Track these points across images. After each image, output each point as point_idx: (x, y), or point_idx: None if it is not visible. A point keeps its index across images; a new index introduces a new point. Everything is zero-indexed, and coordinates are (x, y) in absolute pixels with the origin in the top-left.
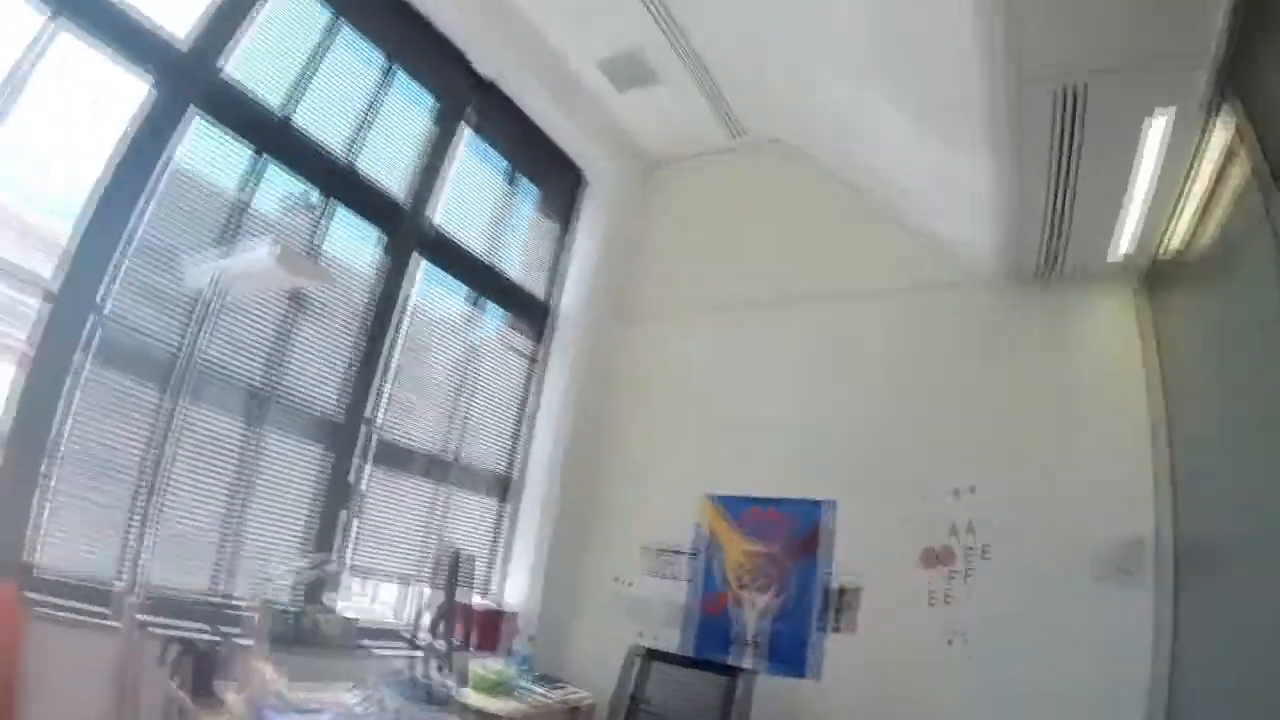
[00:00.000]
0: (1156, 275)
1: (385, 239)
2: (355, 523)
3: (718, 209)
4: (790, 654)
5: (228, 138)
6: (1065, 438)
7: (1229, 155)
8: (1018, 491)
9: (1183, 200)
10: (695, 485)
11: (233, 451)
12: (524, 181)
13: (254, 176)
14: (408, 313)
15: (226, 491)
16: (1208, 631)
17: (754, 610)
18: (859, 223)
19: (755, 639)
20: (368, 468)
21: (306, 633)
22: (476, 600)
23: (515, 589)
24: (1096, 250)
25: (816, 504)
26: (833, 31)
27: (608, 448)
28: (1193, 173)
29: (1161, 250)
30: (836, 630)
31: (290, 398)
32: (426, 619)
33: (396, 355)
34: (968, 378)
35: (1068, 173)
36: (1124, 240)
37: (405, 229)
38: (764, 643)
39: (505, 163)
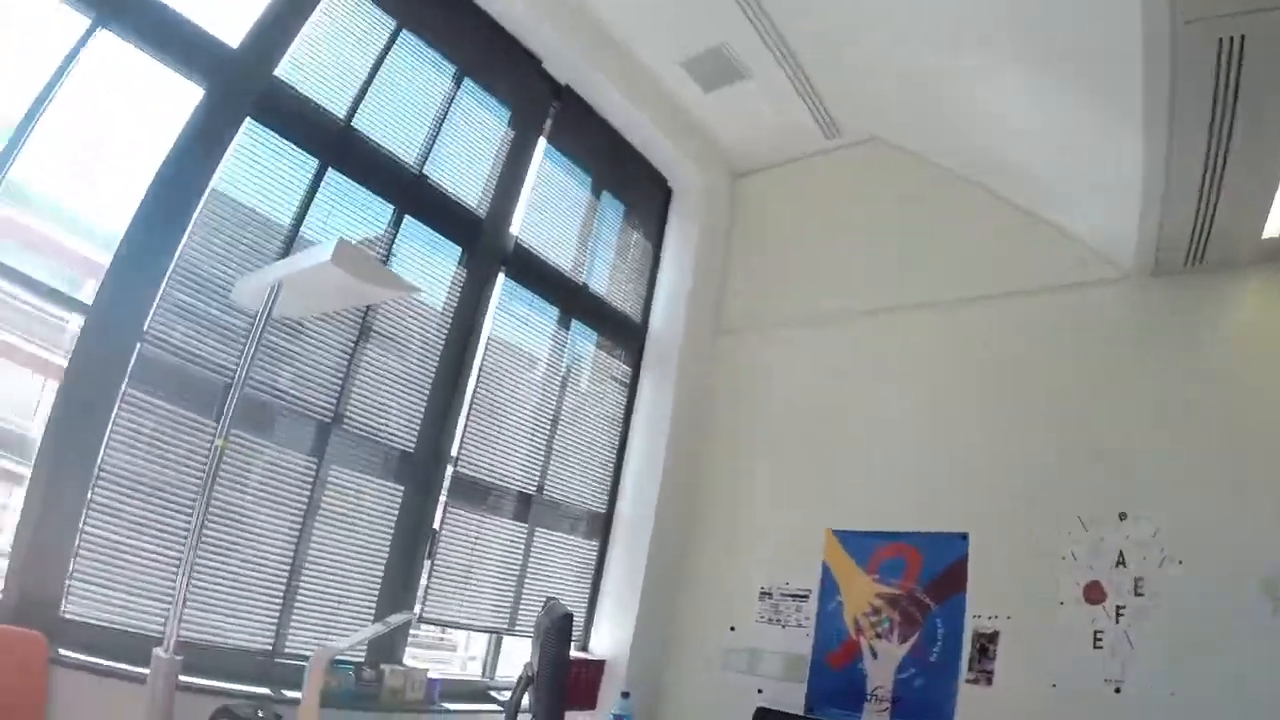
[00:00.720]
0: None
1: (462, 254)
2: (430, 565)
3: (815, 215)
4: (930, 711)
5: (287, 145)
6: (1233, 449)
7: None
8: (1184, 514)
9: None
10: (811, 519)
11: (295, 488)
12: (607, 194)
13: (315, 187)
14: (488, 334)
15: (288, 533)
16: None
17: (887, 661)
18: (973, 221)
19: (890, 694)
20: (443, 504)
21: (376, 692)
22: (573, 652)
23: (608, 638)
24: (1251, 229)
25: (956, 537)
26: None
27: (709, 478)
28: None
29: None
30: (972, 681)
31: (360, 428)
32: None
33: (476, 381)
34: (1113, 387)
35: (1227, 137)
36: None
37: (483, 244)
38: (899, 698)
39: (587, 175)
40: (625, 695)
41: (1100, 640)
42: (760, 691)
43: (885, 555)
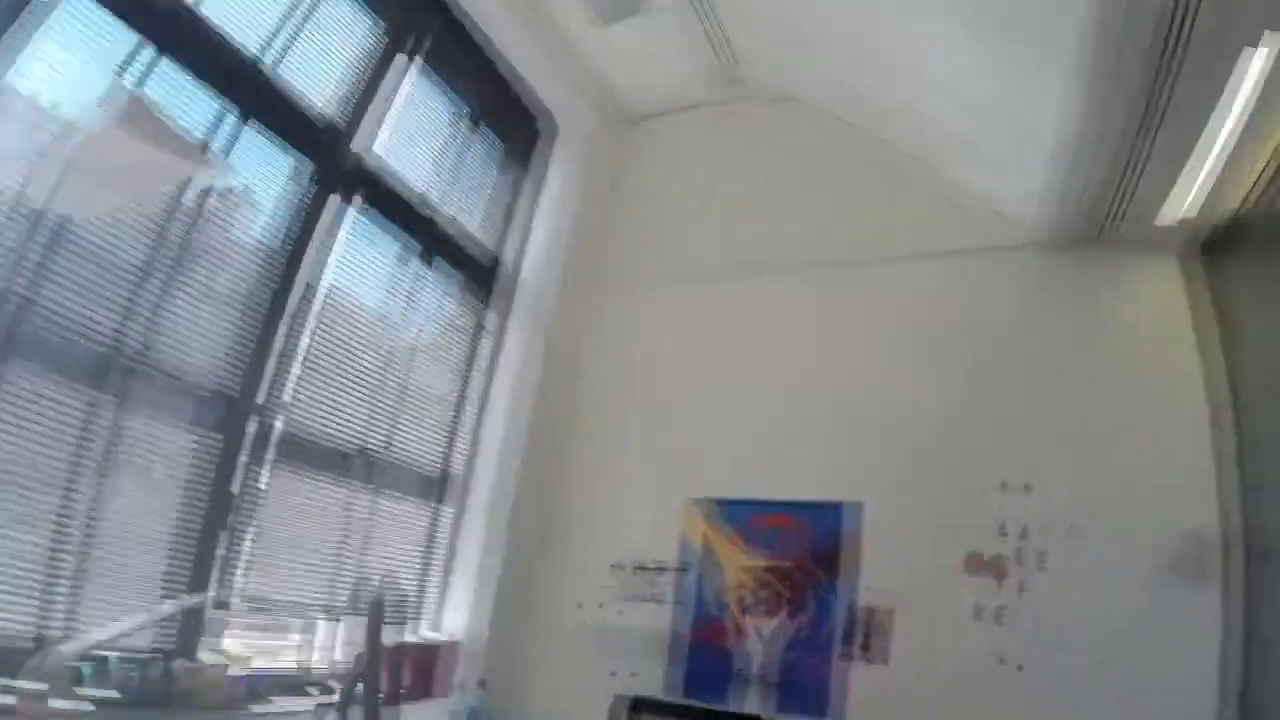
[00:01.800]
0: (1222, 241)
1: (313, 170)
2: (246, 537)
3: (711, 168)
4: (809, 691)
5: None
6: (1125, 423)
7: None
8: (1077, 486)
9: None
10: (686, 487)
11: (65, 433)
12: (486, 128)
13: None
14: (331, 264)
15: (56, 491)
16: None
17: (761, 639)
18: (882, 180)
19: (763, 674)
20: (266, 465)
21: (168, 690)
22: (409, 635)
23: (459, 619)
24: (1159, 209)
25: (845, 506)
26: None
27: (577, 442)
28: None
29: (1231, 213)
30: (867, 661)
31: (158, 365)
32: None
33: (313, 318)
34: (1012, 356)
35: (1160, 108)
36: (1190, 197)
37: (335, 162)
38: (775, 678)
39: (465, 105)
40: (481, 684)
41: (1001, 616)
42: (613, 674)
43: (768, 526)
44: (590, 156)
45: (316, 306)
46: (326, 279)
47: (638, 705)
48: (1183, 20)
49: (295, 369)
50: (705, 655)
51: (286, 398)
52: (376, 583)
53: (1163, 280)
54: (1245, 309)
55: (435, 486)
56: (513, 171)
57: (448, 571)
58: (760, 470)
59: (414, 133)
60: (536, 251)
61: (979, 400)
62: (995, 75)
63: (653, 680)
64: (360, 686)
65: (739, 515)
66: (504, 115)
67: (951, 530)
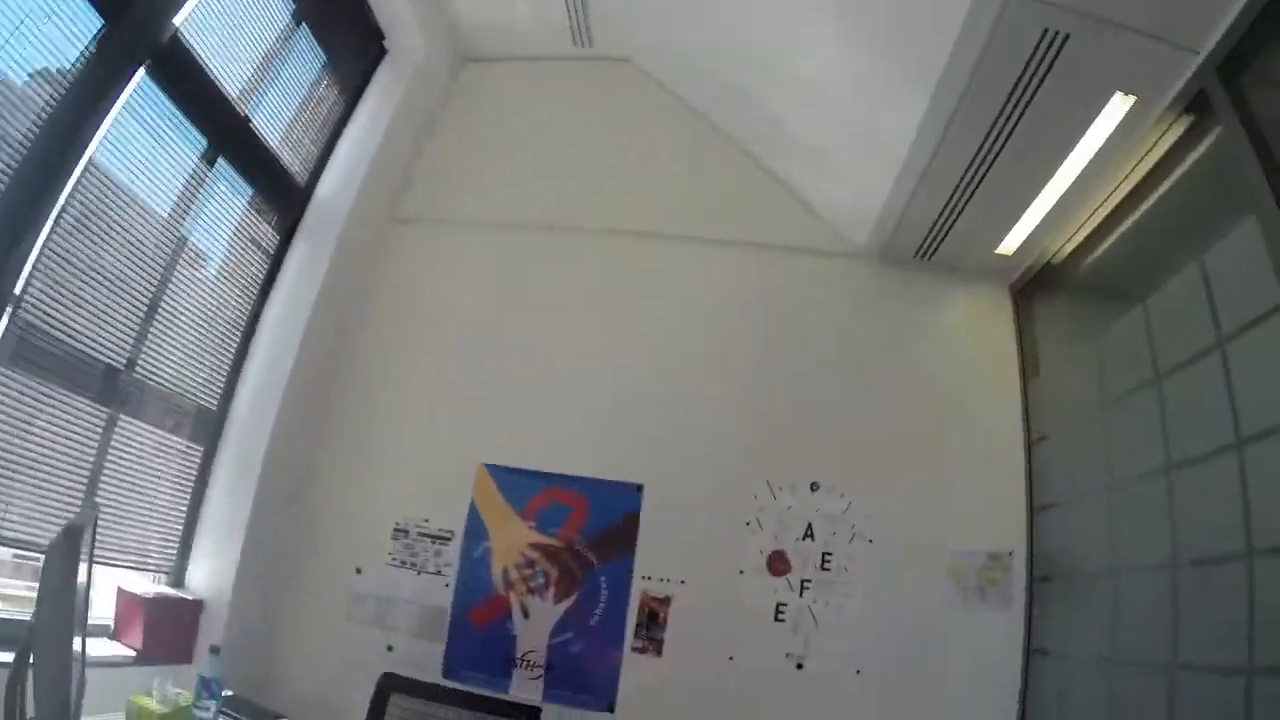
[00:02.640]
0: (1035, 280)
1: (102, 28)
2: None
3: (539, 121)
4: (578, 678)
5: None
6: (934, 440)
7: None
8: (879, 494)
9: (1085, 212)
10: (464, 448)
11: None
12: (309, 30)
13: None
14: (98, 141)
15: None
16: (1064, 652)
17: (540, 622)
18: (714, 164)
19: (543, 659)
20: None
21: None
22: (145, 585)
23: (207, 573)
24: (985, 242)
25: (628, 488)
26: None
27: (351, 383)
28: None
29: (1047, 258)
30: (639, 650)
31: None
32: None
33: (66, 197)
34: (826, 360)
35: (1006, 136)
36: (1013, 237)
37: (131, 26)
38: (553, 664)
39: (294, 3)
40: (214, 651)
41: (782, 613)
42: (390, 649)
43: (546, 500)
44: (416, 86)
45: (71, 184)
46: (95, 163)
47: (387, 684)
48: (1040, 71)
49: (35, 255)
50: (480, 634)
51: (20, 289)
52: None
53: (983, 308)
54: (1046, 345)
55: (190, 420)
56: (331, 85)
57: (192, 520)
58: (549, 439)
59: (232, 16)
60: (339, 173)
61: (783, 397)
62: (858, 83)
63: (432, 658)
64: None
65: (519, 486)
66: (334, 23)
67: (735, 523)
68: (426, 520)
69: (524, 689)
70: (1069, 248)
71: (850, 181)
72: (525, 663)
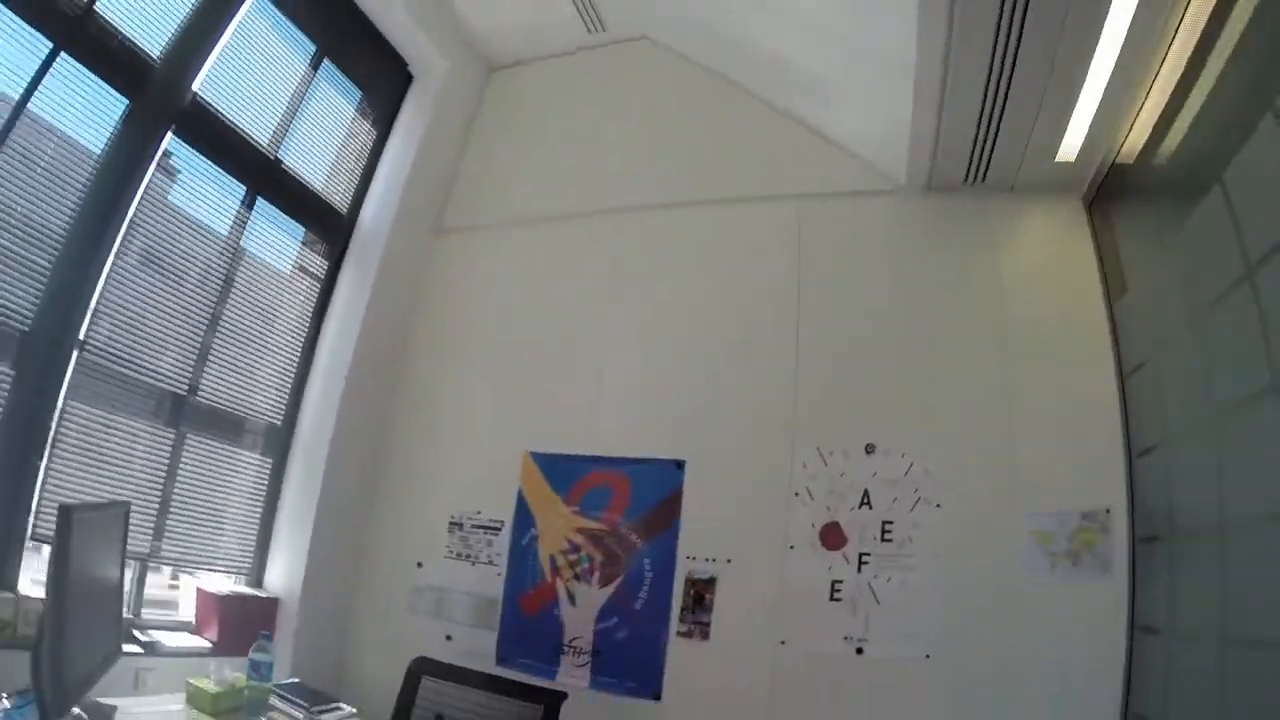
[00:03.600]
0: (1116, 183)
1: (128, 107)
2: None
3: (568, 112)
4: (625, 665)
5: None
6: (1004, 384)
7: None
8: (946, 451)
9: (1149, 94)
10: (511, 440)
11: None
12: (334, 68)
13: None
14: (142, 194)
15: None
16: (1176, 627)
17: (586, 607)
18: (739, 124)
19: (589, 645)
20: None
21: None
22: (222, 585)
23: (283, 573)
24: (1042, 146)
25: (670, 465)
26: None
27: (408, 392)
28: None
29: (1124, 150)
30: (685, 634)
31: None
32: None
33: (119, 247)
34: (877, 310)
35: (1020, 21)
36: (1072, 139)
37: (153, 96)
38: (600, 650)
39: (311, 42)
40: (265, 638)
41: (839, 592)
42: (450, 639)
43: (590, 484)
44: (443, 104)
45: (125, 238)
46: (144, 212)
47: (419, 667)
48: None
49: (107, 302)
50: (530, 622)
51: (98, 335)
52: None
53: (1053, 227)
54: (1131, 258)
55: (259, 436)
56: (364, 117)
57: (267, 526)
58: (591, 423)
59: (250, 69)
60: (379, 198)
61: (832, 356)
62: (858, 7)
63: (487, 647)
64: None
65: (564, 471)
66: (356, 60)
67: (783, 495)
68: (479, 512)
69: (571, 676)
70: (1138, 141)
71: (873, 110)
72: (572, 649)
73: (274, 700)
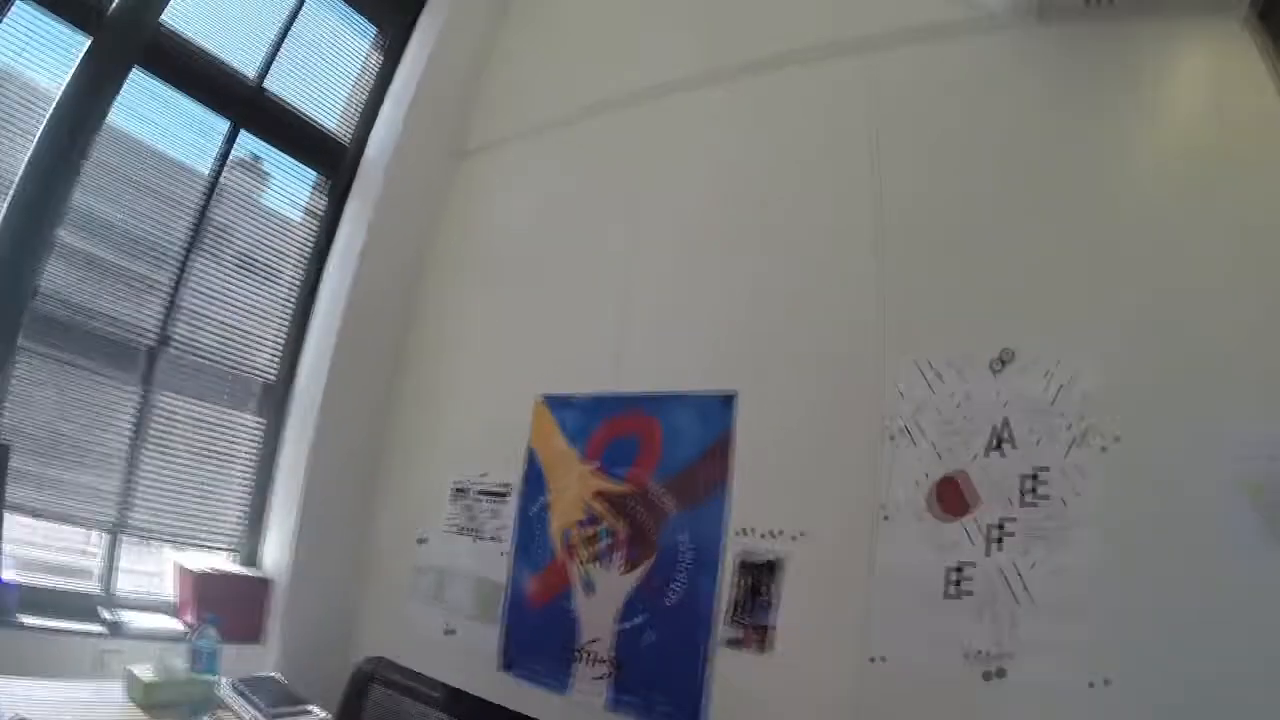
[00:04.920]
0: None
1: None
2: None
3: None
4: (674, 684)
5: None
6: (1176, 259)
7: None
8: (1117, 357)
9: None
10: (529, 383)
11: None
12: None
13: None
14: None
15: None
16: None
17: (607, 599)
18: None
19: (610, 653)
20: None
21: None
22: (204, 563)
23: (277, 551)
24: None
25: (715, 401)
26: None
27: (418, 342)
28: None
29: None
30: (735, 643)
31: None
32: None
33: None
34: (990, 174)
35: None
36: None
37: (116, 31)
38: (623, 661)
39: None
40: (210, 622)
41: (962, 582)
42: (450, 632)
43: (613, 432)
44: (457, 21)
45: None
46: (108, 147)
47: (372, 670)
48: None
49: (65, 247)
50: (538, 616)
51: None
52: None
53: (1209, 52)
54: None
55: (249, 394)
56: (369, 40)
57: (262, 497)
58: (614, 355)
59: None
60: (389, 122)
61: (929, 237)
62: None
63: (490, 645)
64: None
65: (582, 417)
66: None
67: (872, 435)
68: (484, 475)
69: (585, 691)
70: None
71: None
72: (587, 655)
73: (227, 696)
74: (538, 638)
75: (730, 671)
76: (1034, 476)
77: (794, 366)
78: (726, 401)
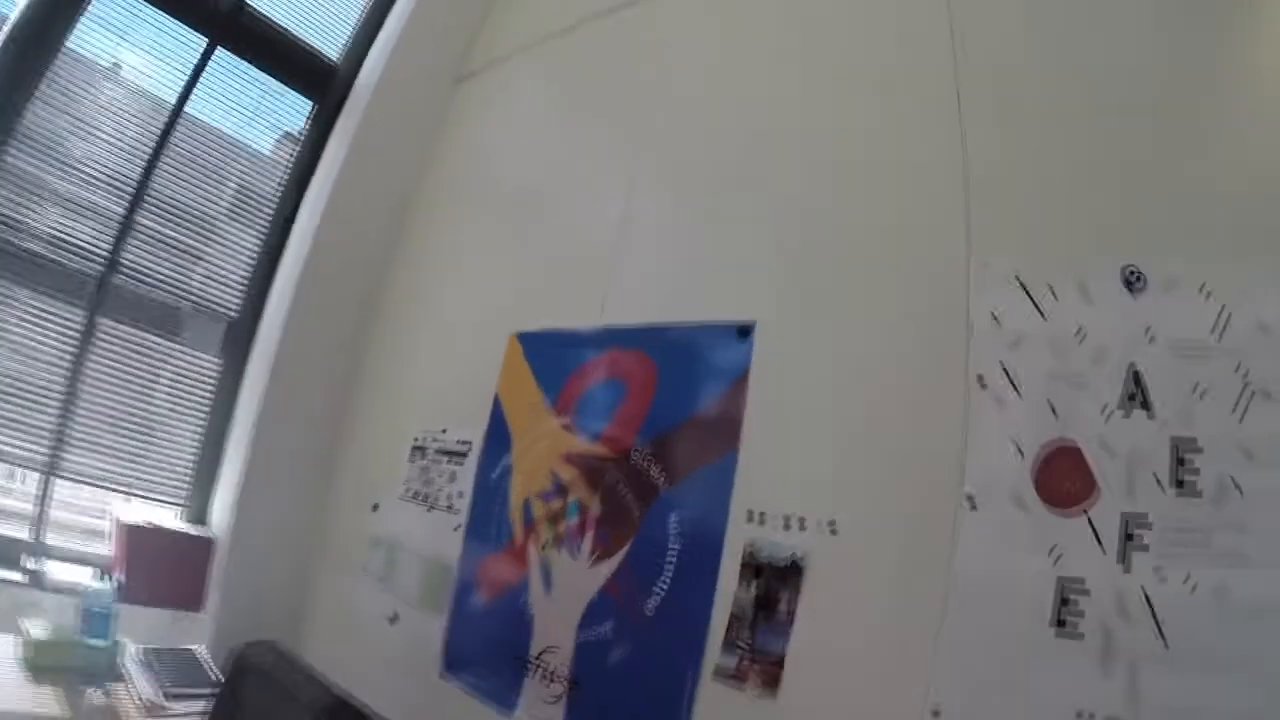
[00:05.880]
0: None
1: None
2: None
3: None
4: (620, 711)
5: None
6: None
7: None
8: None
9: None
10: (506, 321)
11: None
12: None
13: None
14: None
15: None
16: None
17: (568, 596)
18: None
19: (567, 668)
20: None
21: None
22: (143, 517)
23: (226, 508)
24: None
25: (726, 333)
26: None
27: (401, 279)
28: None
29: None
30: (730, 678)
31: None
32: None
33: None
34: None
35: None
36: None
37: None
38: (579, 678)
39: None
40: (107, 578)
41: (1077, 607)
42: (394, 620)
43: (591, 376)
44: None
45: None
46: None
47: (252, 656)
48: None
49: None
50: (487, 610)
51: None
52: None
53: None
54: None
55: (214, 332)
56: None
57: (215, 448)
58: (611, 283)
59: None
60: (386, 40)
61: (1020, 126)
62: None
63: (434, 641)
64: None
65: (557, 357)
66: None
67: (947, 380)
68: (444, 431)
69: (535, 713)
70: None
71: None
72: (540, 667)
73: (132, 667)
74: (485, 637)
75: (720, 716)
76: (1186, 447)
77: (834, 285)
78: (743, 333)
